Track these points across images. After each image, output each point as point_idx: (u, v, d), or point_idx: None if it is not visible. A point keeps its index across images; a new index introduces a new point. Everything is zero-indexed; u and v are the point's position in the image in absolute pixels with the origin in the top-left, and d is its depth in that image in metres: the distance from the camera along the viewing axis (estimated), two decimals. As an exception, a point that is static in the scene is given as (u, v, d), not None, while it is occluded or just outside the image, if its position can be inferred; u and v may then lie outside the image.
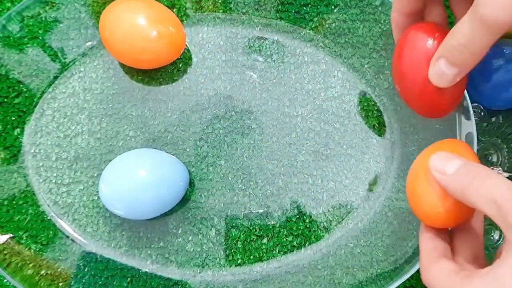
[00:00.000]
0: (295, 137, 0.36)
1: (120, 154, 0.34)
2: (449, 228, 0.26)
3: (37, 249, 0.33)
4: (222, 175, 0.35)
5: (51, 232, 0.34)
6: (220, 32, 0.37)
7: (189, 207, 0.35)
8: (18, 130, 0.35)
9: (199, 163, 0.35)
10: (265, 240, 0.34)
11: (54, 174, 0.35)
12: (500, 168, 0.36)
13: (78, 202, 0.35)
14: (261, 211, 0.35)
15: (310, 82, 0.36)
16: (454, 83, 0.24)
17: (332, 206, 0.35)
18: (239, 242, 0.34)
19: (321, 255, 0.34)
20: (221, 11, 0.37)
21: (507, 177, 0.24)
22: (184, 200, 0.34)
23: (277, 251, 0.34)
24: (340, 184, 0.35)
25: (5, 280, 0.33)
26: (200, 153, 0.35)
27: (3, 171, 0.34)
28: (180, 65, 0.36)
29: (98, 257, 0.34)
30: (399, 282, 0.31)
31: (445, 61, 0.24)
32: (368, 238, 0.34)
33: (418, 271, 0.29)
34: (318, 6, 0.36)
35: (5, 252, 0.33)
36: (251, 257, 0.34)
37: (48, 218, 0.34)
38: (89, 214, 0.35)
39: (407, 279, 0.31)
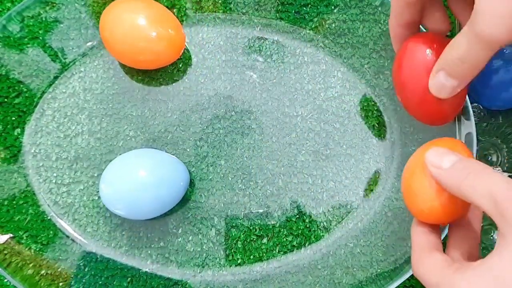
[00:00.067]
0: (295, 137, 0.36)
1: (120, 154, 0.34)
2: (447, 225, 0.26)
3: (37, 249, 0.33)
4: (222, 175, 0.35)
5: (51, 232, 0.34)
6: (220, 32, 0.37)
7: (189, 207, 0.35)
8: (18, 130, 0.35)
9: (199, 163, 0.35)
10: (265, 240, 0.34)
11: (54, 174, 0.35)
12: (499, 168, 0.36)
13: (78, 202, 0.35)
14: (261, 211, 0.35)
15: (310, 82, 0.36)
16: (454, 94, 0.25)
17: (332, 206, 0.35)
18: (239, 242, 0.34)
19: (321, 255, 0.34)
20: (221, 11, 0.37)
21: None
22: (184, 200, 0.35)
23: (277, 251, 0.34)
24: (340, 184, 0.35)
25: (5, 280, 0.34)
26: (200, 153, 0.35)
27: (3, 171, 0.34)
28: (180, 65, 0.37)
29: (98, 257, 0.34)
30: (399, 282, 0.31)
31: (445, 73, 0.24)
32: (368, 238, 0.34)
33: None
34: (318, 6, 0.36)
35: (5, 252, 0.33)
36: (251, 257, 0.34)
37: (48, 218, 0.34)
38: (89, 214, 0.35)
39: (407, 279, 0.31)
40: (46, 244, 0.34)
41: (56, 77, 0.36)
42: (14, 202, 0.34)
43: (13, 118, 0.35)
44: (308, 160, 0.35)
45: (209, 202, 0.35)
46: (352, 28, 0.36)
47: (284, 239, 0.34)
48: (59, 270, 0.33)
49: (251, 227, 0.34)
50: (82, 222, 0.34)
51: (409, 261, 0.32)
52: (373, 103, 0.36)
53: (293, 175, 0.35)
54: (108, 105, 0.36)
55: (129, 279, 0.34)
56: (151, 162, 0.33)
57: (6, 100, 0.35)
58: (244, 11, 0.37)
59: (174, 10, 0.37)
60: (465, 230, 0.25)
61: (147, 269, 0.34)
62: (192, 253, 0.34)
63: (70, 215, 0.35)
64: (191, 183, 0.35)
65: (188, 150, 0.35)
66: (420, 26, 0.29)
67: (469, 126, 0.31)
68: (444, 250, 0.25)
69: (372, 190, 0.35)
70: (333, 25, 0.36)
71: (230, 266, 0.34)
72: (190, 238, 0.34)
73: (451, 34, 0.36)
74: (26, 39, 0.35)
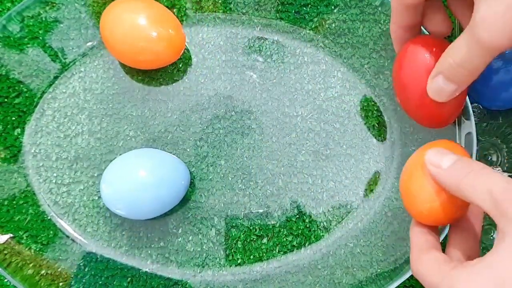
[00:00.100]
0: (295, 137, 0.36)
1: (120, 154, 0.34)
2: (447, 226, 0.26)
3: (37, 249, 0.33)
4: (222, 175, 0.35)
5: (51, 232, 0.34)
6: (220, 32, 0.37)
7: (189, 207, 0.35)
8: (18, 130, 0.35)
9: (199, 163, 0.35)
10: (265, 240, 0.34)
11: (55, 174, 0.35)
12: (499, 168, 0.36)
13: (78, 202, 0.35)
14: (261, 211, 0.35)
15: (310, 82, 0.36)
16: (453, 97, 0.25)
17: (332, 206, 0.35)
18: (239, 242, 0.34)
19: (321, 255, 0.34)
20: (221, 11, 0.37)
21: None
22: (184, 200, 0.35)
23: (277, 251, 0.34)
24: (340, 184, 0.35)
25: (5, 280, 0.34)
26: (200, 153, 0.35)
27: (3, 171, 0.34)
28: (180, 65, 0.37)
29: (98, 257, 0.34)
30: (399, 282, 0.31)
31: (443, 77, 0.24)
32: (368, 238, 0.34)
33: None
34: (318, 6, 0.36)
35: (5, 252, 0.33)
36: (251, 257, 0.34)
37: (48, 218, 0.34)
38: (89, 214, 0.35)
39: (407, 279, 0.31)
40: (46, 244, 0.34)
41: (56, 77, 0.36)
42: (14, 202, 0.34)
43: (13, 118, 0.35)
44: (308, 160, 0.35)
45: (209, 202, 0.35)
46: (352, 28, 0.36)
47: (284, 239, 0.34)
48: (59, 270, 0.33)
49: (251, 227, 0.34)
50: (82, 222, 0.35)
51: (409, 261, 0.32)
52: (373, 103, 0.36)
53: (293, 175, 0.35)
54: (108, 105, 0.36)
55: (129, 279, 0.34)
56: (152, 162, 0.33)
57: (6, 100, 0.35)
58: (244, 11, 0.37)
59: (174, 10, 0.37)
60: (466, 229, 0.25)
61: (147, 269, 0.34)
62: (192, 253, 0.34)
63: (70, 215, 0.35)
64: (191, 183, 0.35)
65: (188, 150, 0.35)
66: (422, 28, 0.29)
67: (469, 126, 0.31)
68: (444, 251, 0.25)
69: (372, 190, 0.35)
70: (333, 25, 0.36)
71: (230, 266, 0.34)
72: (190, 238, 0.34)
73: (452, 35, 0.36)
74: (26, 39, 0.35)
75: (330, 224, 0.34)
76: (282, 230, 0.34)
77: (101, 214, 0.35)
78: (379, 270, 0.33)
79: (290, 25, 0.37)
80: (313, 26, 0.37)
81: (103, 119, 0.36)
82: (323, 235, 0.34)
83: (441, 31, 0.27)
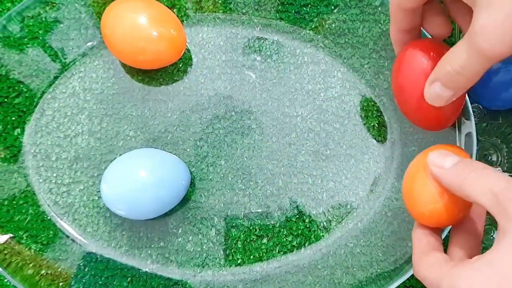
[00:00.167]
0: (295, 137, 0.36)
1: (120, 154, 0.34)
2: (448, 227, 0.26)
3: (37, 249, 0.33)
4: (222, 175, 0.35)
5: (51, 232, 0.34)
6: (220, 32, 0.37)
7: (189, 207, 0.35)
8: (18, 130, 0.35)
9: (199, 163, 0.35)
10: (265, 240, 0.34)
11: (54, 174, 0.35)
12: (499, 168, 0.36)
13: (78, 202, 0.35)
14: (261, 211, 0.35)
15: (310, 82, 0.36)
16: (450, 102, 0.25)
17: (332, 206, 0.35)
18: (239, 242, 0.34)
19: (321, 255, 0.34)
20: (221, 11, 0.37)
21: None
22: (184, 200, 0.35)
23: (277, 251, 0.34)
24: (340, 184, 0.35)
25: (5, 280, 0.34)
26: (200, 153, 0.35)
27: (3, 171, 0.34)
28: (180, 65, 0.37)
29: (98, 257, 0.34)
30: (399, 282, 0.31)
31: (440, 84, 0.24)
32: (368, 238, 0.34)
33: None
34: (318, 7, 0.36)
35: (5, 252, 0.33)
36: (251, 257, 0.34)
37: (48, 218, 0.34)
38: (89, 214, 0.35)
39: (407, 279, 0.31)
40: (46, 244, 0.34)
41: (56, 77, 0.36)
42: (14, 202, 0.34)
43: (13, 118, 0.35)
44: (308, 160, 0.35)
45: (209, 202, 0.35)
46: (352, 28, 0.36)
47: (284, 239, 0.34)
48: (59, 270, 0.33)
49: (251, 227, 0.34)
50: (82, 222, 0.34)
51: (409, 261, 0.32)
52: (373, 103, 0.36)
53: (293, 175, 0.35)
54: (108, 105, 0.36)
55: (129, 279, 0.34)
56: (153, 162, 0.33)
57: (6, 100, 0.35)
58: (244, 11, 0.37)
59: (174, 10, 0.37)
60: (468, 230, 0.26)
61: (147, 269, 0.34)
62: (192, 253, 0.34)
63: (70, 215, 0.35)
64: (191, 183, 0.35)
65: (188, 150, 0.35)
66: (423, 30, 0.29)
67: (469, 126, 0.31)
68: (445, 251, 0.25)
69: (372, 190, 0.35)
70: (333, 25, 0.36)
71: (230, 266, 0.34)
72: (190, 238, 0.34)
73: (451, 35, 0.36)
74: (26, 39, 0.35)
75: (330, 224, 0.34)
76: (282, 230, 0.34)
77: (101, 214, 0.35)
78: (379, 270, 0.33)
79: (290, 25, 0.37)
80: (313, 26, 0.37)
81: (103, 119, 0.36)
82: (323, 235, 0.34)
83: (441, 33, 0.27)
